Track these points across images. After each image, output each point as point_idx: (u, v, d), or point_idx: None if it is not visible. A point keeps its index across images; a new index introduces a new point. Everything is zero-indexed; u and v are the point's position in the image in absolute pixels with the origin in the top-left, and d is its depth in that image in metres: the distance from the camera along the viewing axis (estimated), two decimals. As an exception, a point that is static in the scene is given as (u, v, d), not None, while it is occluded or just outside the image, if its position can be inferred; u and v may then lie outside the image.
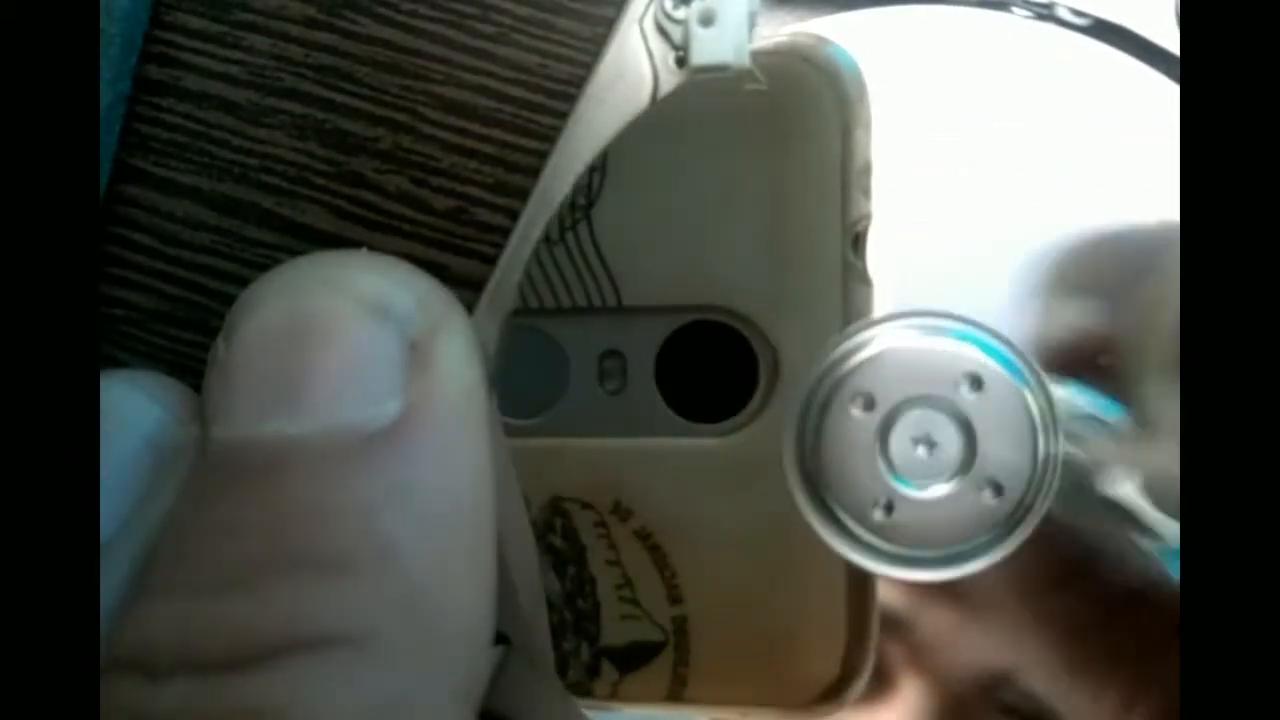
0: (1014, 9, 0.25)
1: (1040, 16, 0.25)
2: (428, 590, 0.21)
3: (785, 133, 0.33)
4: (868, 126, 0.31)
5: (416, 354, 0.21)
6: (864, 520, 0.29)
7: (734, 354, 0.34)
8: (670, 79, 0.24)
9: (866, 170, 0.31)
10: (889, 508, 0.29)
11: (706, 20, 0.23)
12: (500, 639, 0.24)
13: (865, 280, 0.32)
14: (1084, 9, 0.24)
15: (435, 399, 0.21)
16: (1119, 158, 0.29)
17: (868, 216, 0.32)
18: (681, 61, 0.24)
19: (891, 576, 0.30)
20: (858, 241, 0.32)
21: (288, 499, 0.21)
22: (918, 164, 0.31)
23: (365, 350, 0.21)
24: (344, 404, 0.21)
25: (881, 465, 0.29)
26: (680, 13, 0.24)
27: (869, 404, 0.30)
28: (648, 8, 0.24)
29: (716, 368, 0.34)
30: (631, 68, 0.24)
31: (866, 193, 0.32)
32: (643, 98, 0.24)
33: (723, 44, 0.24)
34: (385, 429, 0.21)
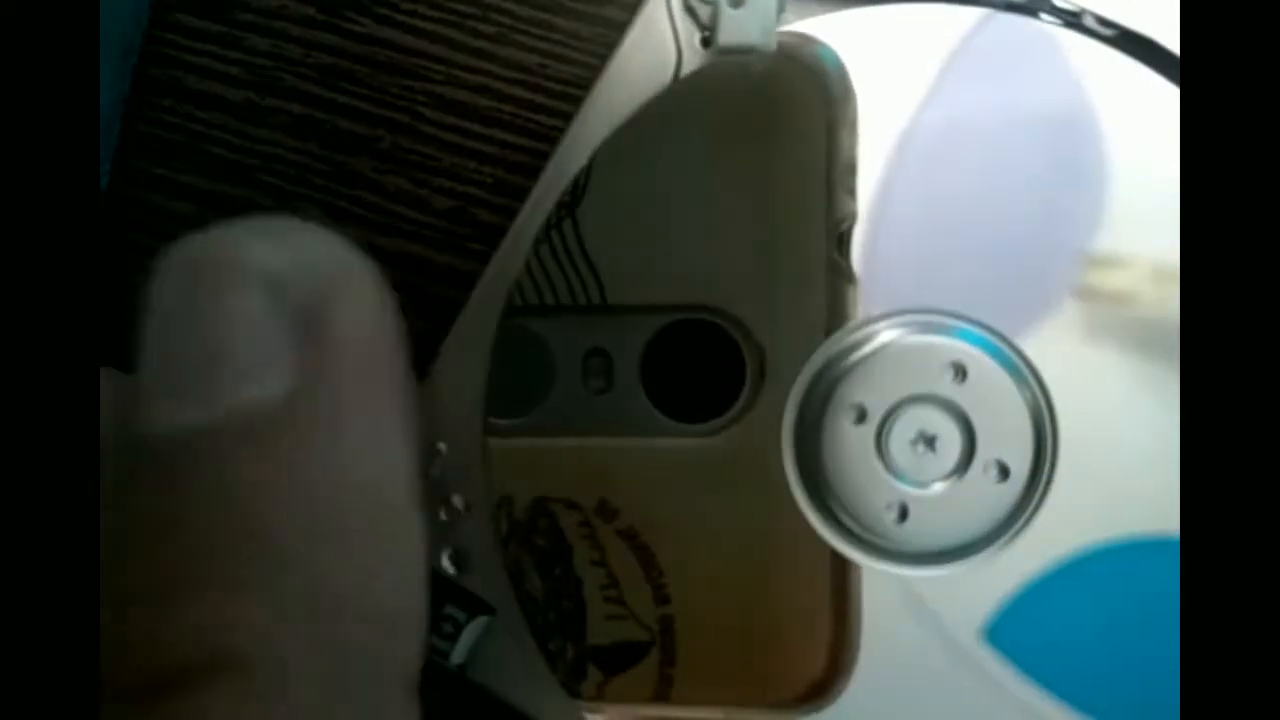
0: (1042, 15, 0.25)
1: (1068, 24, 0.25)
2: (332, 584, 0.19)
3: (770, 131, 0.33)
4: (853, 126, 0.31)
5: (308, 324, 0.19)
6: (879, 529, 0.29)
7: (719, 353, 0.34)
8: (694, 59, 0.24)
9: (851, 170, 0.32)
10: (902, 512, 0.29)
11: (737, 1, 0.23)
12: (484, 609, 0.23)
13: (850, 279, 0.32)
14: (1110, 18, 0.24)
15: (328, 372, 0.19)
16: (1118, 159, 0.29)
17: (852, 216, 0.32)
18: (707, 42, 0.24)
19: (916, 577, 0.30)
20: (842, 241, 0.32)
21: (176, 500, 0.19)
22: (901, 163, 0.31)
23: (247, 326, 0.19)
24: (224, 388, 0.19)
25: (885, 473, 0.29)
26: (711, -7, 0.23)
27: (861, 415, 0.30)
28: None
29: (702, 367, 0.34)
30: (656, 46, 0.24)
31: (851, 192, 0.32)
32: (665, 76, 0.24)
33: (750, 25, 0.24)
34: (272, 411, 0.19)
